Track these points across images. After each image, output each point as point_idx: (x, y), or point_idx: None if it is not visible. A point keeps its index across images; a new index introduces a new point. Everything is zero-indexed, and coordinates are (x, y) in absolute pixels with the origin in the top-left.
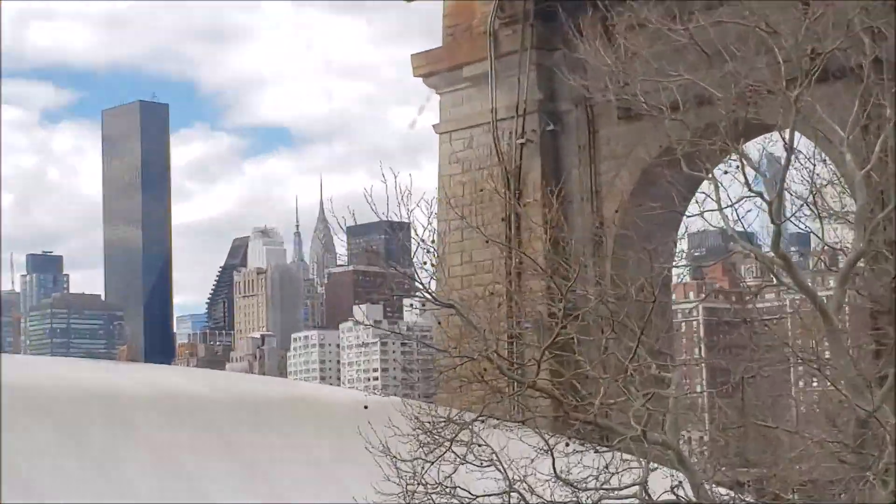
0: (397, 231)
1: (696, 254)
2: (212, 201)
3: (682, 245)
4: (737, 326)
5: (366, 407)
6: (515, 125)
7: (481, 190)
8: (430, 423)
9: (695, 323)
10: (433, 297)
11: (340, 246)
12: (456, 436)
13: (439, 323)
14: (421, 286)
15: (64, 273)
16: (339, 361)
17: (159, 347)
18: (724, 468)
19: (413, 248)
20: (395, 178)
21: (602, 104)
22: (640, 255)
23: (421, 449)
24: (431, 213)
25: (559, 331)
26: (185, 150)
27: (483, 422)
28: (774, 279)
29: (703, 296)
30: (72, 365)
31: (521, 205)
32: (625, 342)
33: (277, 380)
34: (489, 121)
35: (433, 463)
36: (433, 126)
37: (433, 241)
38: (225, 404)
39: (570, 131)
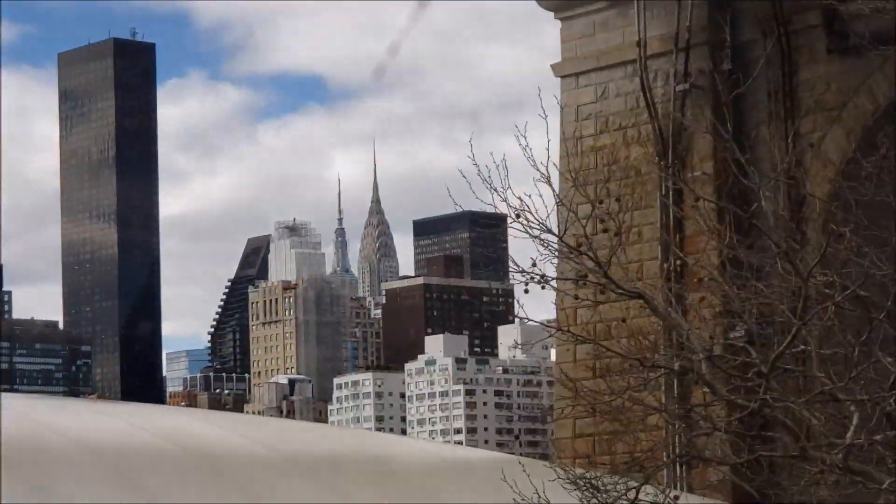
0: (492, 226)
1: None
2: (214, 184)
3: None
4: None
5: None
6: (675, 64)
7: (624, 159)
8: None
9: None
10: (615, 282)
11: (404, 249)
12: None
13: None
14: (596, 264)
15: (4, 290)
16: (403, 418)
17: (142, 396)
18: None
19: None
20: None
21: (805, 31)
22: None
23: None
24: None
25: (797, 331)
26: (174, 111)
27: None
28: None
29: None
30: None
31: (683, 180)
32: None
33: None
34: (635, 58)
35: None
36: (552, 67)
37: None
38: (293, 465)
39: (756, 73)
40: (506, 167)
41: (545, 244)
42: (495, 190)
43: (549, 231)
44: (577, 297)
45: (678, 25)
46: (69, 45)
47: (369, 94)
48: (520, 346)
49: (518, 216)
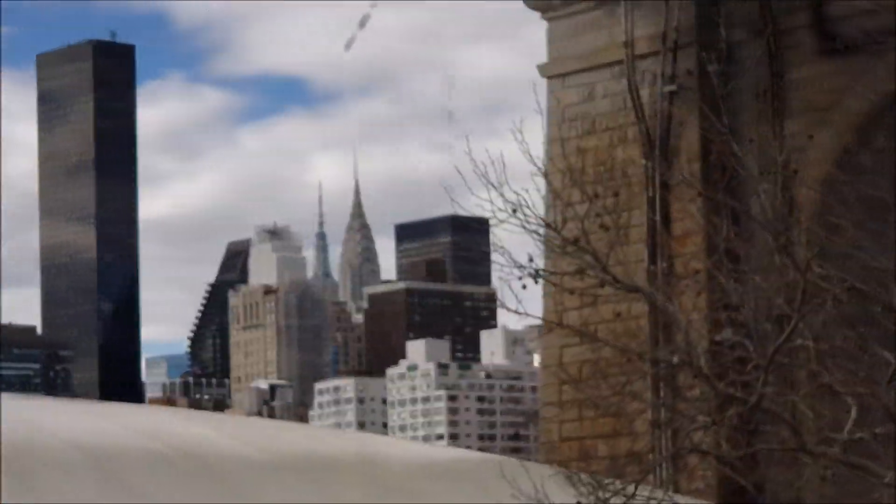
0: (474, 230)
1: None
2: (194, 187)
3: None
4: None
5: None
6: (662, 64)
7: (612, 160)
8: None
9: None
10: (614, 276)
11: (386, 253)
12: None
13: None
14: (595, 258)
15: None
16: (385, 424)
17: (121, 401)
18: None
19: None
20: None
21: (793, 32)
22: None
23: None
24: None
25: (795, 324)
26: (153, 113)
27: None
28: None
29: None
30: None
31: (671, 181)
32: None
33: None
34: (622, 58)
35: None
36: (538, 67)
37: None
38: (281, 468)
39: (744, 73)
40: (503, 163)
41: (542, 239)
42: (491, 185)
43: (549, 226)
44: (572, 293)
45: (666, 26)
46: (48, 46)
47: (351, 96)
48: (519, 344)
49: (515, 211)
